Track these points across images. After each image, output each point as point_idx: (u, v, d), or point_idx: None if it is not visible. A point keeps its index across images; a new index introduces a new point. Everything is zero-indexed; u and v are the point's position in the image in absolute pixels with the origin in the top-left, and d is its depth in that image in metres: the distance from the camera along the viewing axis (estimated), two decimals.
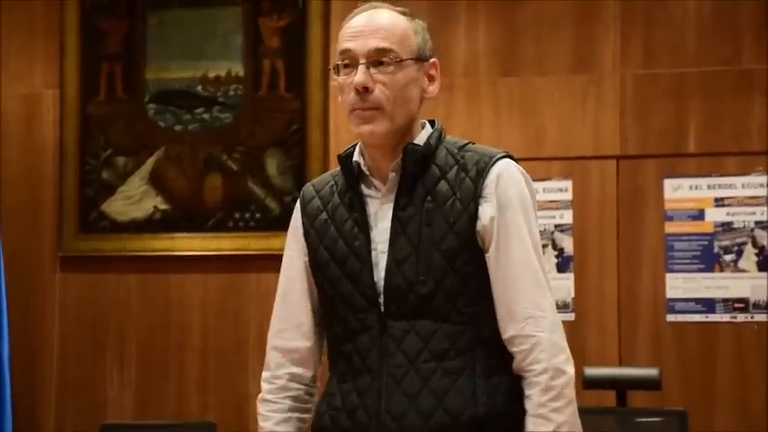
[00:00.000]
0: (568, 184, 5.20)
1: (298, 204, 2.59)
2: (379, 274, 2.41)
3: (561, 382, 2.34)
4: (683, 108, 5.17)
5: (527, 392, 2.36)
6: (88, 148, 5.60)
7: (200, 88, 5.56)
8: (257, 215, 5.46)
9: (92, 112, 5.62)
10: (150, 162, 5.57)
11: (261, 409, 2.57)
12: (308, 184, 2.62)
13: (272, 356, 2.58)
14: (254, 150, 5.49)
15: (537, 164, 5.02)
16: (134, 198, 5.57)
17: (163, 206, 5.55)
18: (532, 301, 2.37)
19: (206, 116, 5.55)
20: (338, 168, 2.56)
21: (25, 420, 5.47)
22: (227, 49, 5.55)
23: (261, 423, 2.56)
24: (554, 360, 2.34)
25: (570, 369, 2.36)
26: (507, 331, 2.37)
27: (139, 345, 5.53)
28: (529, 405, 2.35)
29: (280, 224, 5.24)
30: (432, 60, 2.49)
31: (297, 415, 2.55)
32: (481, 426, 2.35)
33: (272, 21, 5.51)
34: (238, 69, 5.53)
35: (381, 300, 2.40)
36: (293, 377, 2.55)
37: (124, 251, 5.55)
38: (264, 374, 2.60)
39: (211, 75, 5.55)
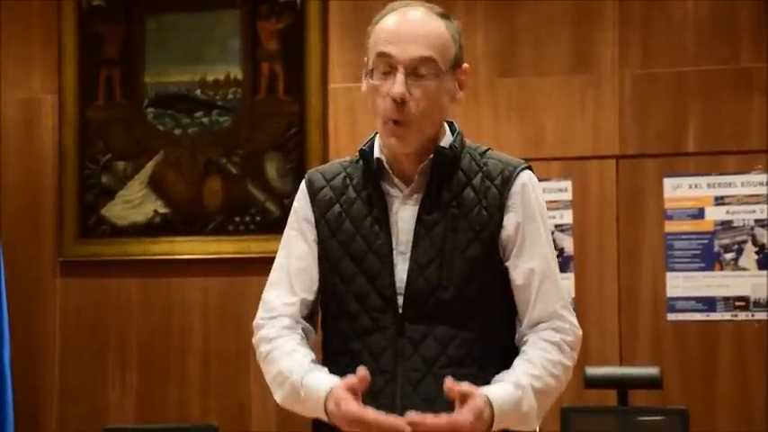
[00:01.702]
0: (568, 184, 5.20)
1: (304, 189, 2.52)
2: (400, 275, 2.37)
3: (567, 363, 2.36)
4: (683, 107, 5.17)
5: (527, 339, 2.37)
6: (87, 153, 5.60)
7: (198, 92, 5.56)
8: (257, 218, 5.46)
9: (91, 117, 5.62)
10: (150, 166, 5.57)
11: (267, 345, 2.46)
12: (314, 170, 2.55)
13: (271, 306, 2.50)
14: (254, 154, 5.49)
15: (536, 164, 4.95)
16: (134, 202, 5.57)
17: (163, 210, 5.55)
18: (554, 311, 2.38)
19: (205, 120, 5.55)
20: (346, 159, 2.53)
21: (27, 425, 5.47)
22: (225, 52, 5.55)
23: (273, 355, 2.43)
24: (571, 346, 2.37)
25: (569, 373, 2.38)
26: (524, 336, 2.39)
27: (140, 349, 5.53)
28: (526, 349, 2.35)
29: (280, 227, 5.20)
30: (464, 66, 2.45)
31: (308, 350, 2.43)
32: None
33: (271, 24, 5.51)
34: (237, 73, 5.53)
35: (400, 301, 2.36)
36: (293, 319, 2.47)
37: (124, 255, 5.55)
38: (260, 320, 2.51)
39: (210, 78, 5.55)
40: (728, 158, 5.13)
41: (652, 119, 5.19)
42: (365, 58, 2.44)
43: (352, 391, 2.18)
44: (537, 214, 2.41)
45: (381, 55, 2.36)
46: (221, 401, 5.42)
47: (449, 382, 2.16)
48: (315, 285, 2.47)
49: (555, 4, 5.30)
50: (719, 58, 5.16)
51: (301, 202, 2.52)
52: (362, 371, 2.18)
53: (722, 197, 5.11)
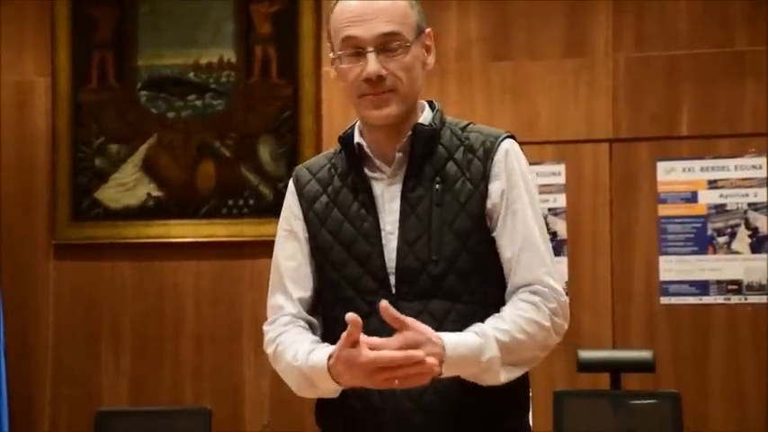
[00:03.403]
0: (561, 167, 5.20)
1: (291, 187, 2.53)
2: (390, 255, 2.37)
3: (544, 323, 2.32)
4: (676, 91, 5.17)
5: (509, 300, 2.36)
6: (81, 136, 5.59)
7: (192, 75, 5.55)
8: (250, 201, 5.46)
9: (84, 100, 5.61)
10: (143, 149, 5.57)
11: (272, 346, 2.44)
12: (300, 166, 2.57)
13: (271, 312, 2.50)
14: (247, 137, 5.48)
15: (530, 148, 4.96)
16: (127, 185, 5.56)
17: (156, 193, 5.54)
18: (536, 277, 2.36)
19: (198, 103, 5.54)
20: (331, 150, 2.53)
21: (21, 409, 5.47)
22: (218, 35, 5.54)
23: (279, 351, 2.42)
24: (552, 311, 2.34)
25: (555, 336, 2.35)
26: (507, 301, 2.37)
27: (134, 332, 5.53)
28: (503, 308, 2.33)
29: (273, 210, 5.19)
30: (426, 31, 2.46)
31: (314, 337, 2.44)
32: (500, 407, 2.35)
33: (264, 7, 5.50)
34: (230, 56, 5.52)
35: (392, 281, 2.36)
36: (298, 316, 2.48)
37: (118, 238, 5.54)
38: (264, 328, 2.50)
39: (203, 61, 5.54)
40: (722, 142, 5.13)
41: (645, 102, 5.19)
42: (329, 44, 2.45)
43: (353, 343, 2.17)
44: (520, 181, 2.40)
45: (346, 39, 2.37)
46: (215, 384, 5.43)
47: (383, 303, 2.14)
48: (309, 282, 2.48)
49: None
50: (713, 42, 5.16)
51: (290, 200, 2.53)
52: (351, 315, 2.16)
53: (715, 181, 5.11)
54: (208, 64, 5.53)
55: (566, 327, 2.37)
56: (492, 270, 2.37)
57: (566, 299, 2.37)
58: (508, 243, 2.37)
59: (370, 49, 2.35)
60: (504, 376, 2.27)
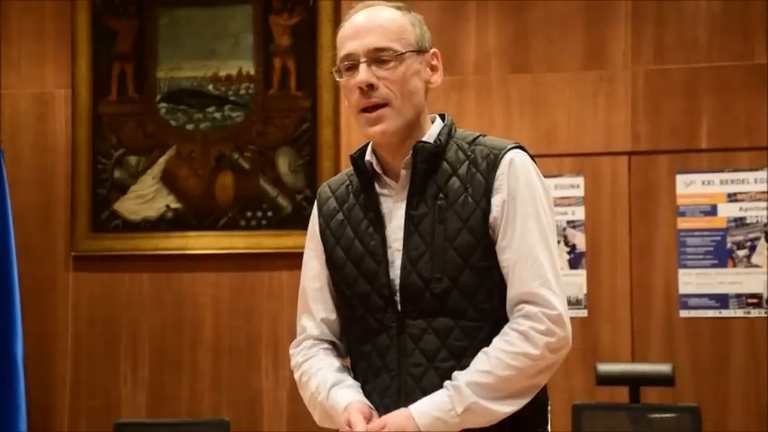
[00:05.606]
0: (580, 180, 5.19)
1: (315, 204, 2.59)
2: (395, 272, 2.39)
3: (533, 352, 2.31)
4: (695, 103, 5.16)
5: (509, 316, 2.36)
6: (100, 148, 5.62)
7: (211, 87, 5.56)
8: (269, 213, 5.46)
9: (103, 112, 5.63)
10: (162, 161, 5.58)
11: (297, 372, 2.55)
12: (324, 184, 2.62)
13: (299, 333, 2.59)
14: (266, 149, 5.49)
15: (549, 160, 5.02)
16: (146, 197, 5.58)
17: (175, 205, 5.55)
18: (529, 291, 2.33)
19: (217, 115, 5.56)
20: (351, 167, 2.56)
21: (39, 419, 5.48)
22: (237, 47, 5.55)
23: (303, 380, 2.53)
24: (542, 332, 2.32)
25: (550, 355, 2.32)
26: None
27: (152, 343, 5.54)
28: (495, 338, 2.34)
29: (291, 222, 5.26)
30: (432, 51, 2.49)
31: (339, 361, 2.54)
32: (520, 419, 2.34)
33: (283, 19, 5.52)
34: (249, 68, 5.53)
35: (398, 299, 2.38)
36: (322, 337, 2.57)
37: (137, 250, 5.56)
38: (290, 350, 2.60)
39: (222, 74, 5.55)
40: (741, 155, 5.12)
41: (664, 115, 5.18)
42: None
43: (365, 414, 2.33)
44: (523, 190, 2.37)
45: (344, 56, 2.45)
46: (233, 396, 5.43)
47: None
48: (333, 302, 2.54)
49: (567, 1, 5.29)
50: (732, 54, 5.15)
51: (312, 219, 2.59)
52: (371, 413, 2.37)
53: (735, 194, 5.09)
54: (227, 76, 5.55)
55: (565, 338, 2.33)
56: (497, 285, 2.36)
57: (559, 311, 2.33)
58: (506, 255, 2.36)
59: (362, 60, 2.41)
60: (505, 409, 2.29)
